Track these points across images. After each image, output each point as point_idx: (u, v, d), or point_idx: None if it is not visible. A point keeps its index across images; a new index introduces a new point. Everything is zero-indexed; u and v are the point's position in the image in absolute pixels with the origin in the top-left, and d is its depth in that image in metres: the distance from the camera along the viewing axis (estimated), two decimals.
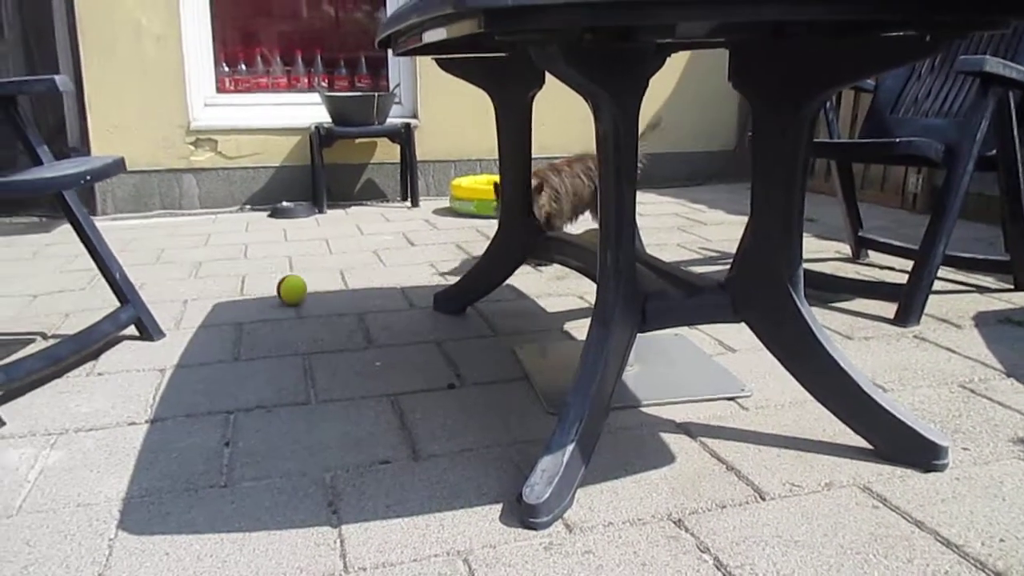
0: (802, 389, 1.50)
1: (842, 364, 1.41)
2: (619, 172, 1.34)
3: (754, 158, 1.45)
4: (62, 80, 2.02)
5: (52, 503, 1.34)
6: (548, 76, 1.99)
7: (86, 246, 2.10)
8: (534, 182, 2.35)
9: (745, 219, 1.52)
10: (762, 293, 1.45)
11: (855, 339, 2.06)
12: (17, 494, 1.37)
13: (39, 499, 1.35)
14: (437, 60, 2.08)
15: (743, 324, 1.52)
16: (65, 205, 2.06)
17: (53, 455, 1.51)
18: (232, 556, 1.18)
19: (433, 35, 1.28)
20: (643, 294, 1.45)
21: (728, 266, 1.54)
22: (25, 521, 1.29)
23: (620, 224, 1.37)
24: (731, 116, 4.95)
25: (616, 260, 1.38)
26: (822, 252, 3.02)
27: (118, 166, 1.93)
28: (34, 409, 1.71)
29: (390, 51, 1.74)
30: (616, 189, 1.35)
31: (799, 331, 1.43)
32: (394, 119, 4.32)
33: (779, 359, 1.48)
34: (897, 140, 2.36)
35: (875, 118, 2.69)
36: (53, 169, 1.90)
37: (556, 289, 2.57)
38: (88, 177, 1.79)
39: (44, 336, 2.21)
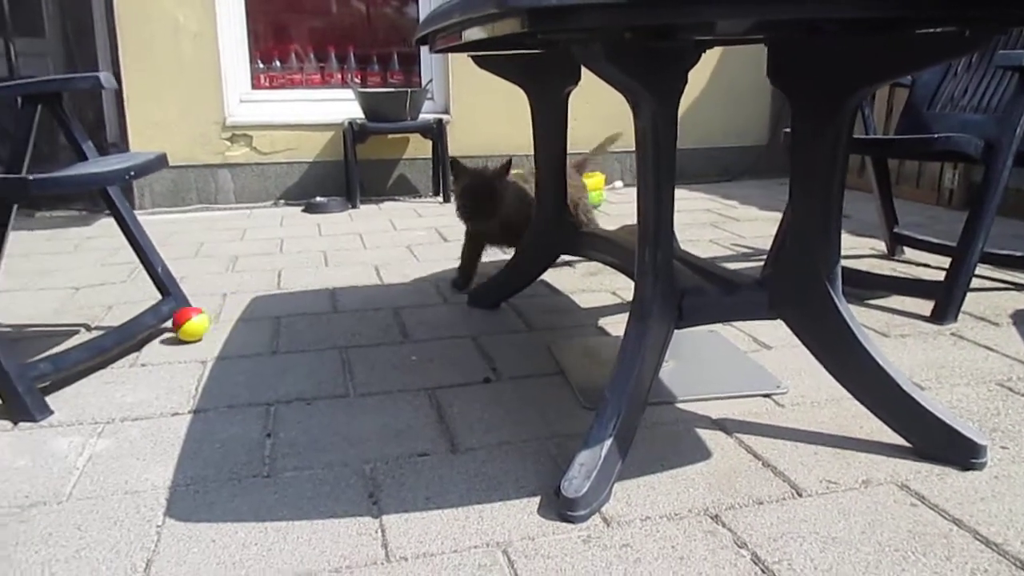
0: (839, 386, 1.50)
1: (880, 361, 1.41)
2: (658, 169, 1.35)
3: (792, 155, 1.45)
4: (106, 77, 2.06)
5: (101, 490, 1.38)
6: (584, 72, 2.01)
7: (129, 240, 2.15)
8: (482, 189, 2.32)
9: (778, 215, 1.53)
10: (800, 290, 1.45)
11: (891, 336, 2.05)
12: (67, 481, 1.41)
13: (88, 486, 1.39)
14: (473, 57, 2.10)
15: (779, 321, 1.52)
16: (109, 200, 2.11)
17: (100, 443, 1.55)
18: (276, 544, 1.21)
19: (474, 33, 1.29)
20: (680, 290, 1.45)
21: (762, 262, 1.54)
22: (75, 507, 1.32)
23: (659, 221, 1.38)
24: (763, 111, 4.92)
25: (654, 256, 1.39)
26: (857, 248, 2.99)
27: (160, 162, 1.97)
28: (81, 399, 1.75)
29: (424, 48, 1.76)
30: (655, 186, 1.35)
31: (837, 328, 1.42)
32: (426, 115, 4.35)
33: (816, 356, 1.48)
34: (936, 136, 2.34)
35: (912, 114, 2.67)
36: (98, 165, 1.94)
37: (589, 285, 2.58)
38: (132, 173, 1.83)
39: (88, 328, 2.26)
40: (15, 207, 2.16)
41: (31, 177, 1.61)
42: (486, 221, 2.31)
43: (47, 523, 1.27)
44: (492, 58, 2.08)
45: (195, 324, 2.09)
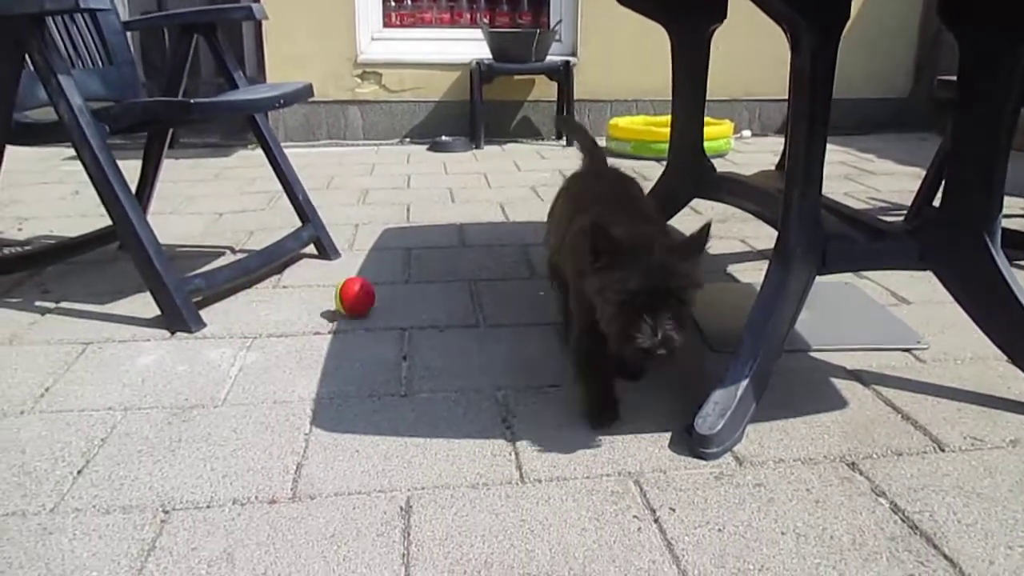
0: (984, 344, 1.44)
1: None
2: (814, 110, 1.31)
3: (958, 101, 1.37)
4: (258, 8, 2.14)
5: (252, 398, 1.47)
6: (730, 11, 1.95)
7: (273, 167, 2.24)
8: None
9: (917, 171, 1.48)
10: (955, 242, 1.39)
11: None
12: (222, 387, 1.51)
13: (240, 393, 1.48)
14: None
15: (916, 277, 1.46)
16: (256, 128, 2.20)
17: (250, 356, 1.64)
18: (416, 459, 1.26)
19: None
20: (825, 236, 1.41)
21: (899, 218, 1.48)
22: (230, 411, 1.42)
23: (809, 164, 1.34)
24: (906, 61, 4.66)
25: (802, 200, 1.36)
26: (1009, 208, 2.80)
27: (307, 92, 2.03)
28: (230, 315, 1.85)
29: None
30: (808, 128, 1.31)
31: (994, 283, 1.36)
32: (553, 56, 4.32)
33: (968, 311, 1.42)
34: None
35: None
36: (250, 92, 2.02)
37: (718, 232, 2.53)
38: (282, 100, 1.90)
39: (232, 250, 2.38)
40: (170, 131, 2.29)
41: (193, 101, 1.70)
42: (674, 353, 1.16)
43: (206, 424, 1.37)
44: None
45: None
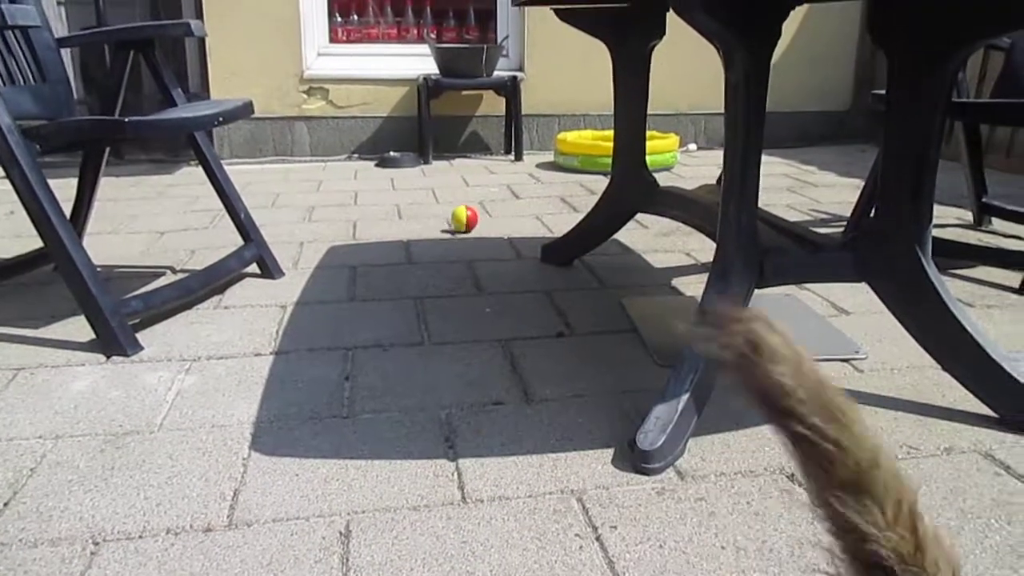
0: (920, 354, 1.47)
1: (970, 329, 1.37)
2: (748, 124, 1.32)
3: (888, 115, 1.40)
4: (196, 25, 2.10)
5: (189, 422, 1.43)
6: (669, 28, 1.97)
7: (214, 185, 2.20)
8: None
9: (857, 182, 1.50)
10: (888, 254, 1.42)
11: (977, 307, 1.99)
12: (158, 412, 1.47)
13: (177, 418, 1.45)
14: (556, 11, 2.08)
15: (855, 287, 1.48)
16: (196, 146, 2.16)
17: (188, 379, 1.61)
18: (356, 481, 1.24)
19: None
20: (763, 249, 1.43)
21: (840, 229, 1.51)
22: (167, 437, 1.38)
23: (744, 176, 1.36)
24: (846, 75, 4.77)
25: (738, 213, 1.37)
26: (942, 218, 2.90)
27: (247, 109, 2.01)
28: (169, 336, 1.81)
29: (500, 3, 1.74)
30: (744, 141, 1.33)
31: (926, 294, 1.39)
32: (501, 72, 4.33)
33: (902, 322, 1.45)
34: None
35: (1011, 78, 2.55)
36: (188, 110, 1.99)
37: (662, 245, 2.56)
38: (221, 118, 1.88)
39: (173, 270, 2.33)
40: (107, 150, 2.24)
41: (127, 119, 1.67)
42: None
43: (141, 451, 1.33)
44: (575, 11, 2.06)
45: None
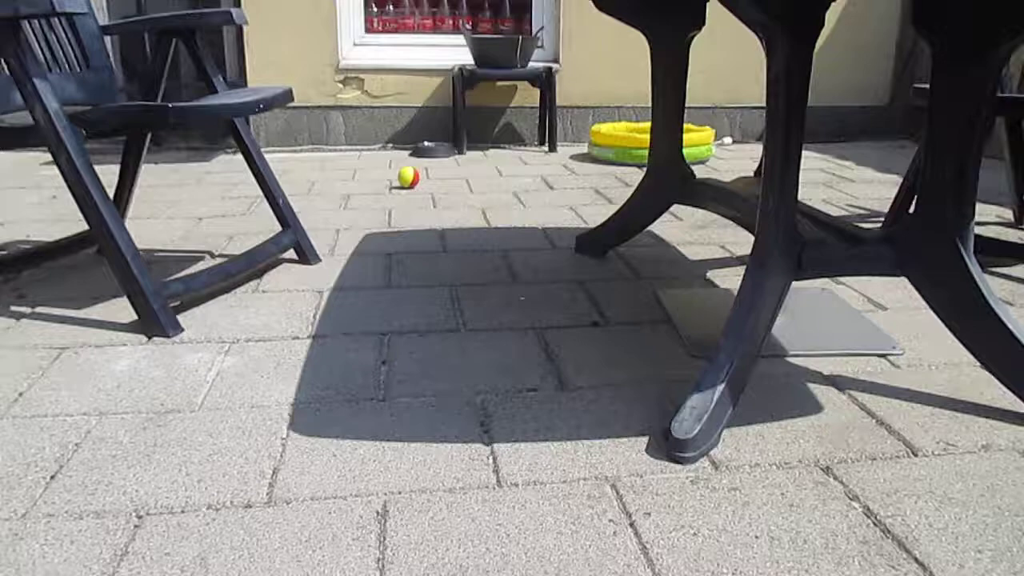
0: (958, 350, 1.46)
1: (1011, 326, 1.35)
2: (789, 115, 1.32)
3: (931, 108, 1.39)
4: (238, 13, 2.13)
5: (229, 402, 1.46)
6: (711, 18, 1.96)
7: (254, 172, 2.23)
8: None
9: (895, 178, 1.50)
10: (929, 248, 1.41)
11: (1017, 305, 1.96)
12: (198, 392, 1.50)
13: (217, 398, 1.48)
14: (594, 0, 2.07)
15: (892, 282, 1.47)
16: (236, 133, 2.19)
17: (228, 360, 1.63)
18: (393, 463, 1.26)
19: None
20: (801, 241, 1.43)
21: (877, 225, 1.50)
22: (207, 416, 1.41)
23: (785, 168, 1.35)
24: (885, 70, 4.70)
25: (778, 205, 1.37)
26: (983, 216, 2.86)
27: (287, 96, 2.03)
28: (208, 319, 1.85)
29: None
30: (784, 133, 1.32)
31: (967, 290, 1.38)
32: (535, 63, 4.33)
33: (942, 317, 1.43)
34: None
35: None
36: (229, 97, 2.01)
37: (697, 238, 2.55)
38: (262, 105, 1.90)
39: (211, 255, 2.37)
40: (148, 136, 2.28)
41: (171, 105, 1.69)
42: None
43: (182, 429, 1.36)
44: (613, 1, 2.05)
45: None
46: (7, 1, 1.59)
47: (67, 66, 2.06)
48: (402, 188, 3.35)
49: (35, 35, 1.97)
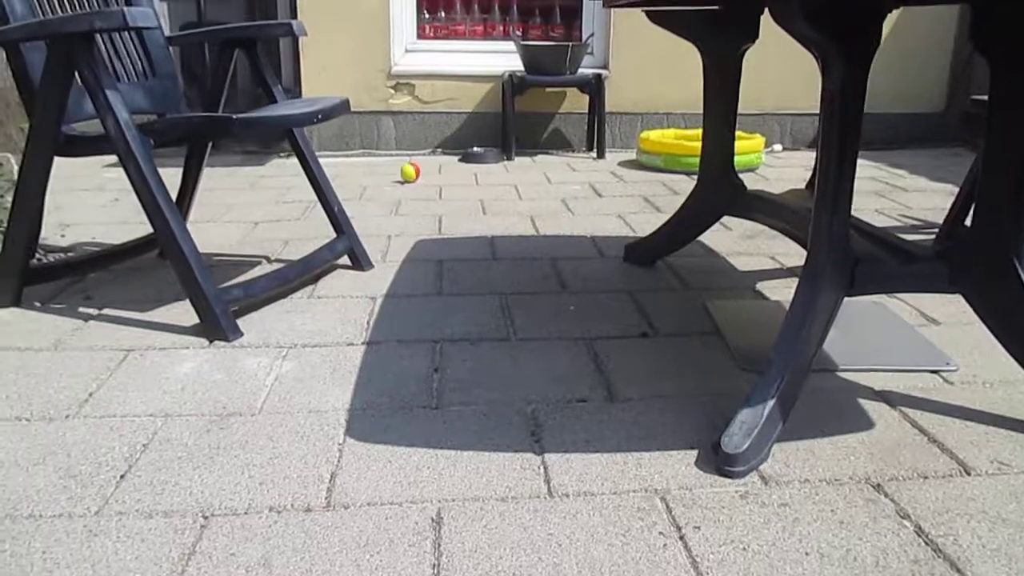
0: (1013, 368, 1.44)
1: None
2: (844, 133, 1.32)
3: (989, 122, 1.38)
4: (298, 25, 2.19)
5: (288, 406, 1.51)
6: (762, 31, 1.96)
7: (309, 178, 2.28)
8: None
9: (950, 187, 1.48)
10: (984, 265, 1.40)
11: None
12: (258, 396, 1.55)
13: (276, 402, 1.52)
14: (647, 13, 2.09)
15: (946, 296, 1.46)
16: (294, 140, 2.25)
17: (285, 365, 1.68)
18: (447, 470, 1.29)
19: None
20: (854, 257, 1.43)
21: (931, 236, 1.49)
22: (267, 420, 1.46)
23: (839, 186, 1.36)
24: (940, 77, 4.62)
25: (831, 222, 1.37)
26: None
27: (344, 107, 2.08)
28: (266, 324, 1.90)
29: (586, 2, 1.76)
30: (839, 150, 1.33)
31: (1021, 308, 1.36)
32: (585, 69, 4.34)
33: (997, 335, 1.42)
34: None
35: None
36: (288, 107, 2.07)
37: (747, 248, 2.55)
38: (320, 116, 1.95)
39: (268, 260, 2.43)
40: (210, 144, 2.35)
41: (235, 116, 1.75)
42: None
43: (244, 432, 1.41)
44: (666, 13, 2.07)
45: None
46: (83, 17, 1.66)
47: (135, 76, 2.14)
48: (406, 183, 3.66)
49: (104, 44, 2.04)
